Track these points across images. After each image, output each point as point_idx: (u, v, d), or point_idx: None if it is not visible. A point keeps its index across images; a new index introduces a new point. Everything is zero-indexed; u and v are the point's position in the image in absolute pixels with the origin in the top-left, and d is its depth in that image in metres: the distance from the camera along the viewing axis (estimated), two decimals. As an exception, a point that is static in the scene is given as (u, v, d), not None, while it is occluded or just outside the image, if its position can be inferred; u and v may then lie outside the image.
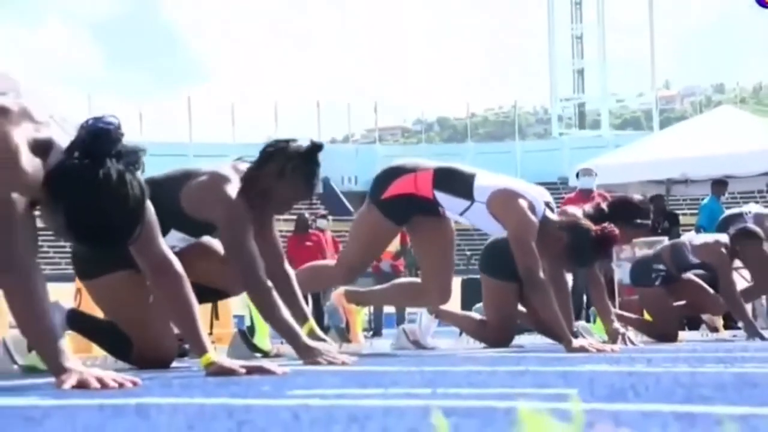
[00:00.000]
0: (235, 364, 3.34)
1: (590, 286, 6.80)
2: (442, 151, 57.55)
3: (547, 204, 5.84)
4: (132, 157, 2.95)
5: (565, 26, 61.32)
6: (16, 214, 2.96)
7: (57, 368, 2.84)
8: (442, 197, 5.67)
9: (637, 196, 7.09)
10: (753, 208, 12.62)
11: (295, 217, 16.34)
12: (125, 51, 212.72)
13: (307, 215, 16.67)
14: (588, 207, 6.69)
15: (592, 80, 61.51)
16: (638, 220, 6.61)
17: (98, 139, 2.90)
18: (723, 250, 7.72)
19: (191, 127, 49.05)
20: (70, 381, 2.72)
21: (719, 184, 13.89)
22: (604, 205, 6.66)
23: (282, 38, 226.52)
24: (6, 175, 2.90)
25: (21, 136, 2.90)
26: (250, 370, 3.28)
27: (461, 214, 5.75)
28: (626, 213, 6.55)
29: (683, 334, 7.90)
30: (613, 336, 6.28)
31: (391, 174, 5.85)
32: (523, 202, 5.60)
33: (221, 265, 4.59)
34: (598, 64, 60.83)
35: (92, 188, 2.88)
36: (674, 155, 16.56)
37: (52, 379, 2.82)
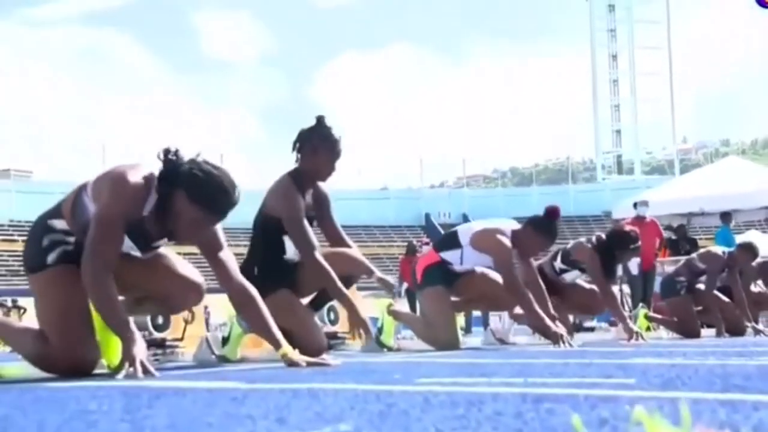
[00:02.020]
0: (301, 358, 3.25)
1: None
2: (513, 192, 57.12)
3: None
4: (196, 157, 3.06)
5: (605, 98, 60.74)
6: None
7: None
8: (445, 255, 5.57)
9: (629, 228, 6.91)
10: (753, 234, 12.29)
11: (406, 243, 16.42)
12: (282, 126, 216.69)
13: (414, 242, 16.68)
14: (593, 237, 6.67)
15: (627, 138, 60.59)
16: (632, 246, 6.48)
17: (170, 152, 3.02)
18: (720, 254, 7.51)
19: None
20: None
21: (725, 215, 13.60)
22: (604, 236, 6.61)
23: (394, 111, 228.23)
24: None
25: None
26: (310, 364, 3.23)
27: (461, 262, 5.56)
28: (619, 241, 6.47)
29: (704, 332, 7.64)
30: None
31: (415, 265, 5.88)
32: (499, 236, 5.43)
33: (347, 256, 4.48)
34: (632, 126, 60.09)
35: (199, 174, 2.95)
36: (692, 194, 16.30)
37: (242, 367, 2.85)
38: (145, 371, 2.81)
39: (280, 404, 1.82)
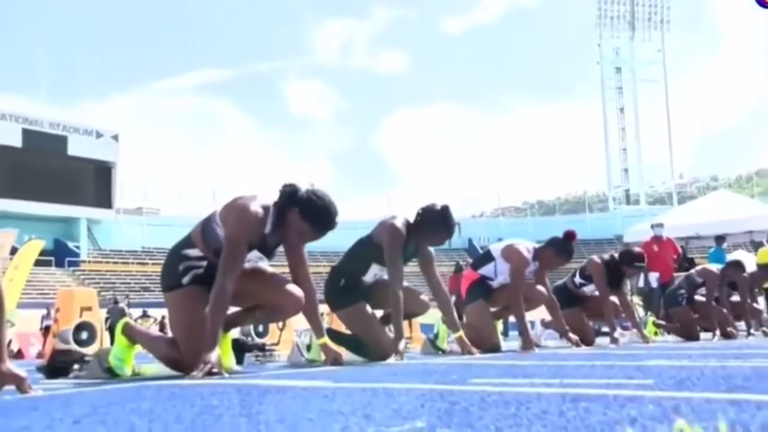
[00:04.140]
0: (334, 351, 3.54)
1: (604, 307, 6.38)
2: (540, 220, 56.25)
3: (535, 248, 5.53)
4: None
5: (615, 143, 60.01)
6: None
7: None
8: (482, 271, 5.48)
9: (637, 249, 6.69)
10: (740, 253, 11.92)
11: (454, 263, 16.27)
12: (351, 168, 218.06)
13: (461, 262, 16.52)
14: (607, 255, 6.54)
15: (634, 174, 59.63)
16: (636, 263, 6.33)
17: (286, 185, 3.22)
18: (715, 270, 7.34)
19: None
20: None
21: (720, 238, 13.28)
22: (616, 254, 6.46)
23: (441, 155, 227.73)
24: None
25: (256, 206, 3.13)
26: (335, 363, 3.49)
27: (495, 275, 5.44)
28: (627, 257, 6.34)
29: (702, 335, 7.39)
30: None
31: (460, 286, 5.72)
32: (522, 249, 5.34)
33: (415, 295, 4.51)
34: (637, 165, 59.25)
35: (314, 198, 3.14)
36: (689, 221, 16.02)
37: (327, 368, 2.81)
38: (210, 374, 2.84)
39: (363, 401, 1.78)
